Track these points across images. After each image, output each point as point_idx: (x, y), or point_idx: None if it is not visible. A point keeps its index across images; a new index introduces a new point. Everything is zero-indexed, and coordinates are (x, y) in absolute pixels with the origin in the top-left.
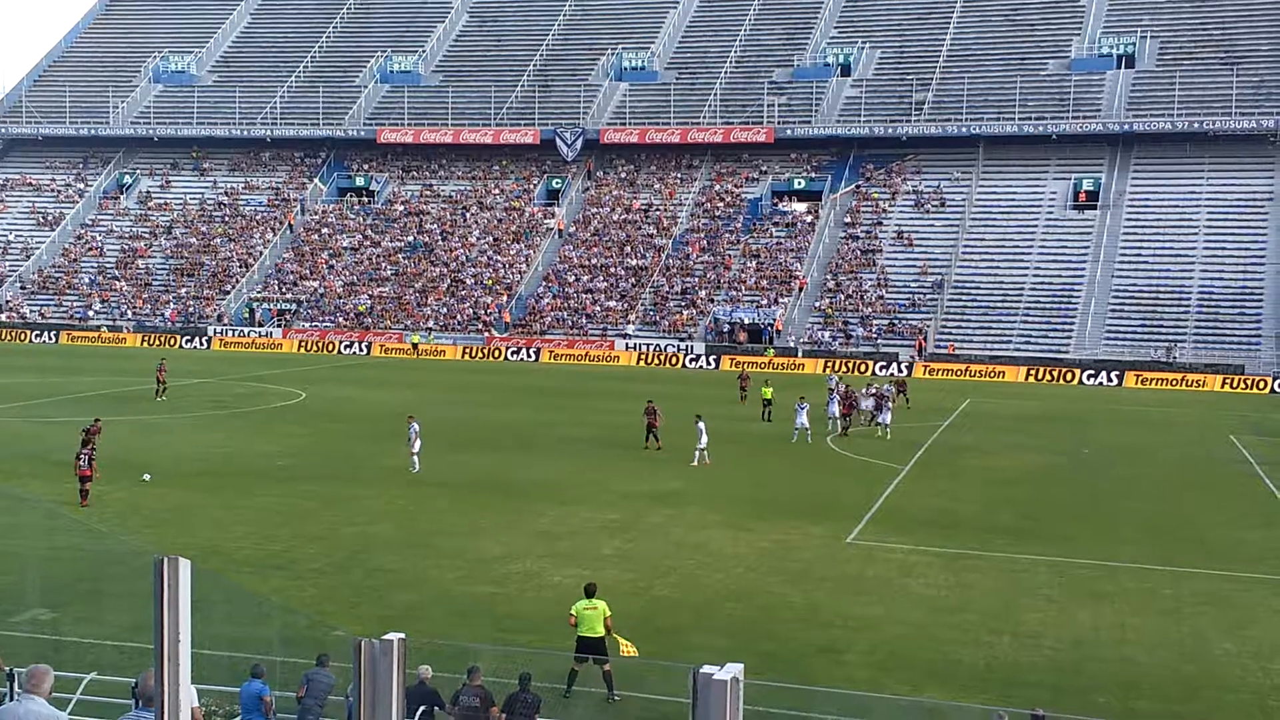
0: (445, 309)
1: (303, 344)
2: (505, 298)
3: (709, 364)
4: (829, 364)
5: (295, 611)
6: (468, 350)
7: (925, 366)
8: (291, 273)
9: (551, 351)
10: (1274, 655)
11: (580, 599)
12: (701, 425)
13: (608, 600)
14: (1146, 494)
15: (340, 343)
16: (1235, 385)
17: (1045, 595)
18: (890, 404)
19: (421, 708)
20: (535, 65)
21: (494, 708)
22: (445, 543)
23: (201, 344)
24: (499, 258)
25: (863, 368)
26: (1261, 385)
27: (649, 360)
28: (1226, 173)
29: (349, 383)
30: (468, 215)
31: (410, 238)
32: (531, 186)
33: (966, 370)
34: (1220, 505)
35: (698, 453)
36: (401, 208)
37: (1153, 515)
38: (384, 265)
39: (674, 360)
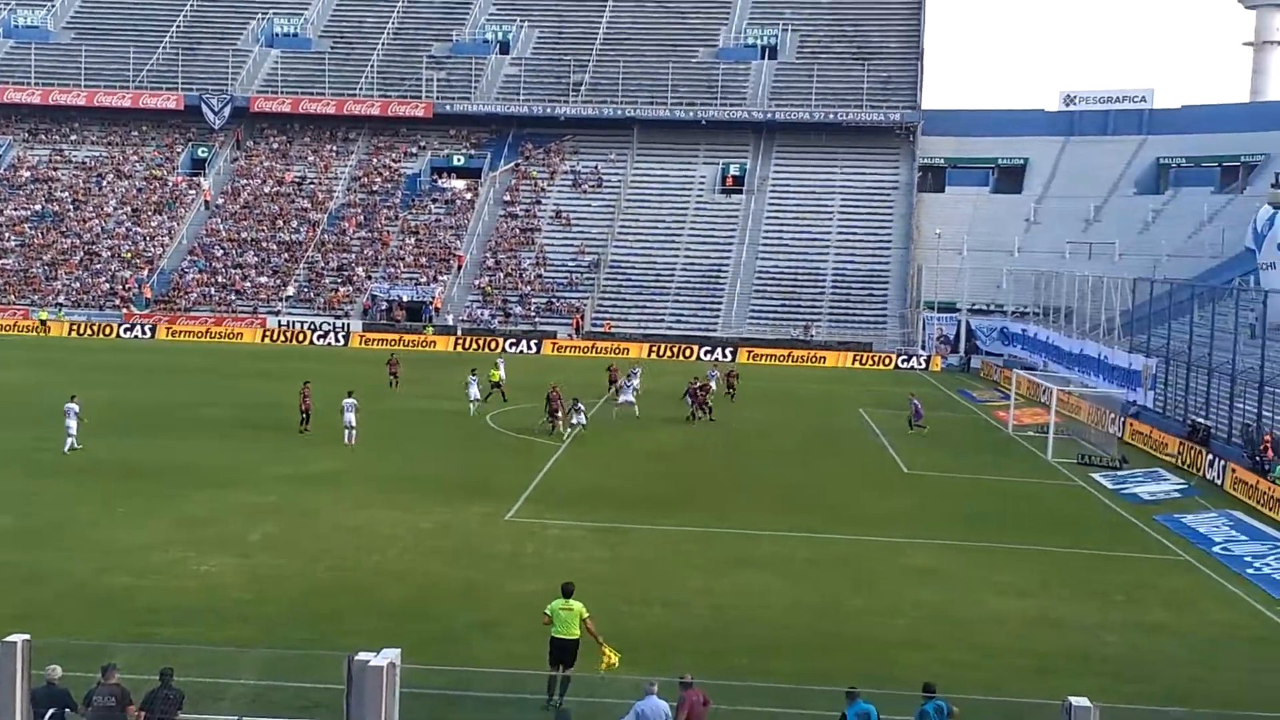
0: (78, 283)
1: None
2: (146, 272)
3: (360, 343)
4: (492, 342)
5: None
6: (73, 327)
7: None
8: None
9: (168, 328)
10: (895, 612)
11: (556, 598)
12: (351, 402)
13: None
14: (786, 465)
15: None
16: (864, 362)
17: (693, 564)
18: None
19: (51, 710)
20: (179, 26)
21: (130, 706)
22: (77, 533)
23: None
24: (139, 229)
25: (492, 345)
26: (886, 361)
27: (298, 339)
28: (858, 162)
29: None
30: (104, 183)
31: (38, 206)
32: (175, 154)
33: (592, 347)
34: (851, 474)
35: (347, 431)
36: (28, 173)
37: (792, 485)
38: (7, 236)
39: (300, 338)
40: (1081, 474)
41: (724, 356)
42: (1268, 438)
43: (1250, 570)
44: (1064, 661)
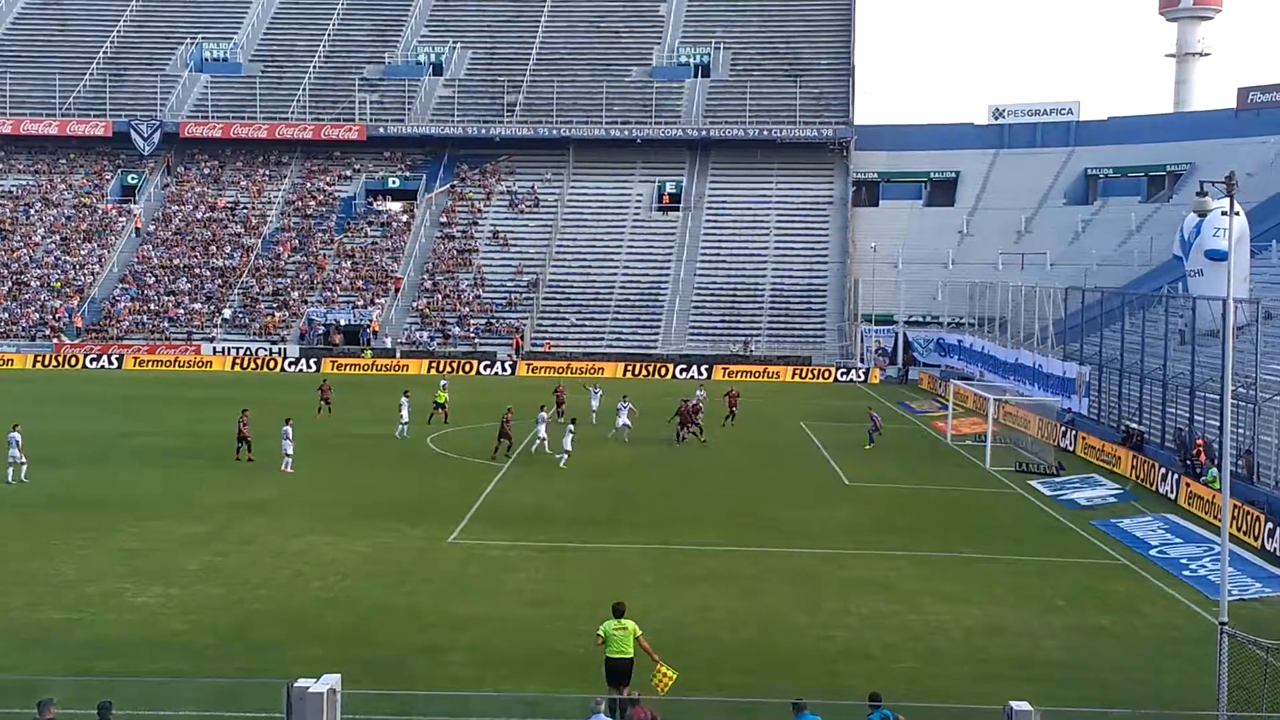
0: (6, 314)
1: None
2: (76, 301)
3: (308, 367)
4: (435, 365)
5: None
6: (36, 359)
7: (527, 365)
8: None
9: (135, 358)
10: (837, 624)
11: (608, 619)
12: (288, 429)
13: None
14: (730, 480)
15: None
16: (804, 375)
17: (640, 581)
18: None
19: None
20: (106, 52)
21: None
22: (9, 567)
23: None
24: (68, 258)
25: (466, 367)
26: (826, 375)
27: (241, 365)
28: (793, 178)
29: None
30: (31, 212)
31: None
32: (104, 181)
33: (567, 368)
34: (794, 487)
35: (285, 459)
36: None
37: (734, 500)
38: None
39: (271, 364)
40: (1020, 481)
41: (699, 374)
42: (1200, 442)
43: (1186, 573)
44: (1007, 667)
